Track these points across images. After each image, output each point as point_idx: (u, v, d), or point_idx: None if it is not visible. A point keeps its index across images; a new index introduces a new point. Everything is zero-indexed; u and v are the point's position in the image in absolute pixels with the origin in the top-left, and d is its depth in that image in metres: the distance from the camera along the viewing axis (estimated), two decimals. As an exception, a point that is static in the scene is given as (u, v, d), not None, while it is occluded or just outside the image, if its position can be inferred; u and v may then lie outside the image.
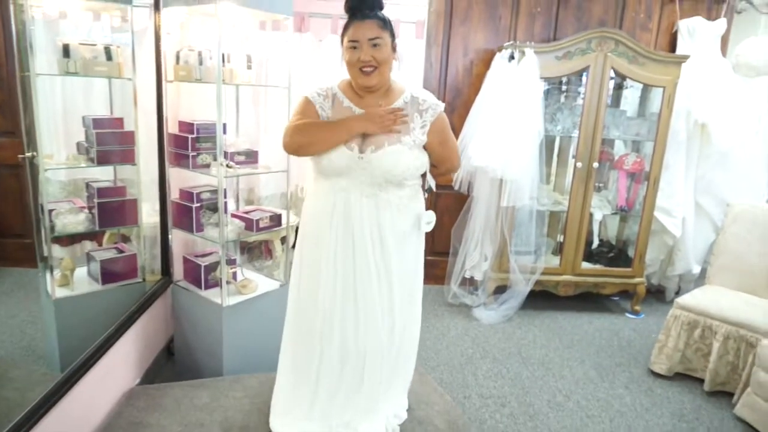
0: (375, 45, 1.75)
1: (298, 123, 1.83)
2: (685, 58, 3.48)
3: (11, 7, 1.87)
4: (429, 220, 1.95)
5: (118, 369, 2.28)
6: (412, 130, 1.83)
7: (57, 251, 2.26)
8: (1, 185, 2.12)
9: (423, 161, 1.87)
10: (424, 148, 1.87)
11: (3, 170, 2.08)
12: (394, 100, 1.85)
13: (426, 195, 2.00)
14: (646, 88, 3.83)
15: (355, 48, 1.75)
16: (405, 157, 1.80)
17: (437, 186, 2.07)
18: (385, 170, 1.79)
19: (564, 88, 3.91)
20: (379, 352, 1.92)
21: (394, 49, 1.81)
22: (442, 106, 1.87)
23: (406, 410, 2.19)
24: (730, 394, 2.80)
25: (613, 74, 3.54)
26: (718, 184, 3.79)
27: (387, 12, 1.83)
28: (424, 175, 1.94)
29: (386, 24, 1.78)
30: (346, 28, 1.79)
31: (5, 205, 2.14)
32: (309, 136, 1.80)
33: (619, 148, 4.03)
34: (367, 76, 1.78)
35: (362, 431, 1.98)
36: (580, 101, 3.64)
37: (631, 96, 4.01)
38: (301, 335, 1.99)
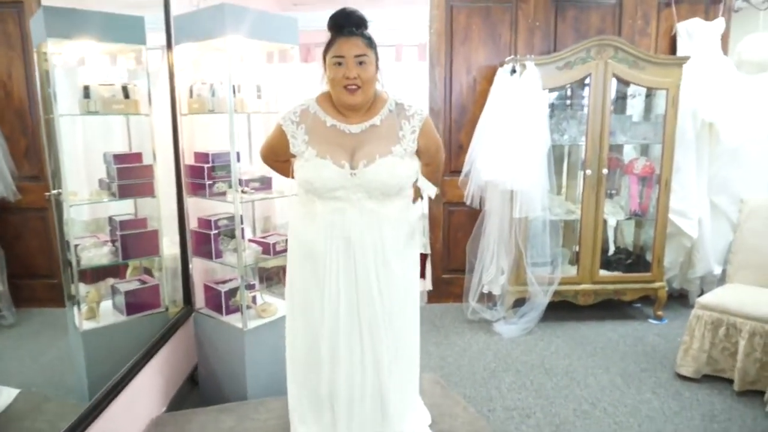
0: (361, 63, 1.71)
1: (269, 165, 2.07)
2: (685, 59, 3.51)
3: (35, 57, 2.00)
4: (429, 191, 1.94)
5: (144, 397, 2.33)
6: (401, 139, 1.81)
7: (82, 289, 2.33)
8: (28, 227, 2.21)
9: (415, 169, 1.86)
10: (416, 153, 1.87)
11: (29, 213, 2.17)
12: (378, 112, 1.82)
13: (422, 199, 2.00)
14: (650, 92, 3.86)
15: (339, 65, 1.71)
16: (398, 167, 1.79)
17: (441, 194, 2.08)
18: (381, 183, 1.76)
19: (568, 96, 3.96)
20: (385, 371, 1.88)
21: (378, 68, 1.78)
22: (426, 111, 1.89)
23: (424, 428, 2.14)
24: (761, 393, 2.73)
25: (616, 82, 3.58)
26: (732, 182, 3.77)
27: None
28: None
29: (371, 43, 1.76)
30: (329, 44, 1.75)
31: (32, 247, 2.22)
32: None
33: (628, 153, 4.04)
34: (352, 95, 1.73)
35: None
36: (584, 110, 3.67)
37: (636, 103, 4.04)
38: (308, 363, 1.93)
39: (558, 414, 2.63)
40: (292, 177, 1.98)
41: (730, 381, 2.85)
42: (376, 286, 1.83)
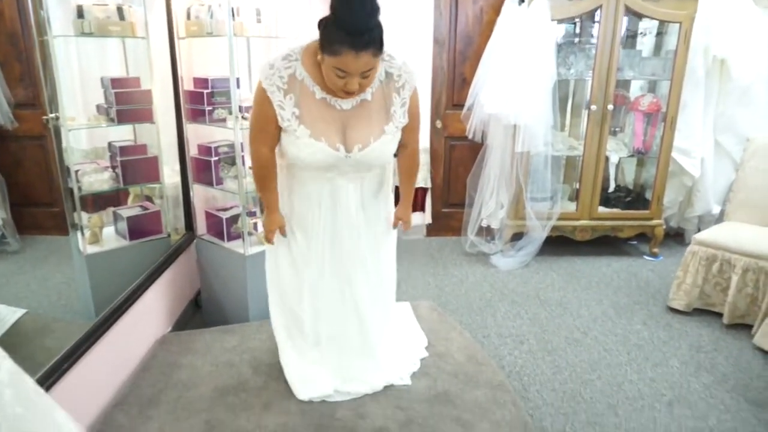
0: (365, 76, 1.59)
1: (257, 168, 1.86)
2: (701, -10, 3.38)
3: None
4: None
5: (150, 317, 2.40)
6: (393, 115, 1.77)
7: (84, 216, 2.35)
8: (27, 156, 2.20)
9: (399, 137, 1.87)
10: None
11: (27, 141, 2.17)
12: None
13: None
14: (662, 26, 3.74)
15: (341, 77, 1.57)
16: (390, 144, 1.80)
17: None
18: (373, 162, 1.80)
19: (577, 30, 3.84)
20: (370, 301, 2.00)
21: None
22: (416, 75, 1.79)
23: (419, 358, 2.23)
24: (749, 326, 2.82)
25: (627, 20, 3.45)
26: (739, 121, 3.71)
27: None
28: None
29: (381, 47, 1.56)
30: (333, 48, 1.51)
31: (32, 175, 2.22)
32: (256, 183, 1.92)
33: (635, 91, 3.97)
34: (349, 95, 1.68)
35: (374, 382, 2.04)
36: (593, 43, 3.57)
37: (646, 41, 3.93)
38: (297, 301, 2.02)
39: (550, 341, 2.72)
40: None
41: (720, 315, 2.93)
42: (358, 236, 1.92)
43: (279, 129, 1.75)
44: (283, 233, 1.95)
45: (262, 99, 1.70)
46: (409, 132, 1.88)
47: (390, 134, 1.78)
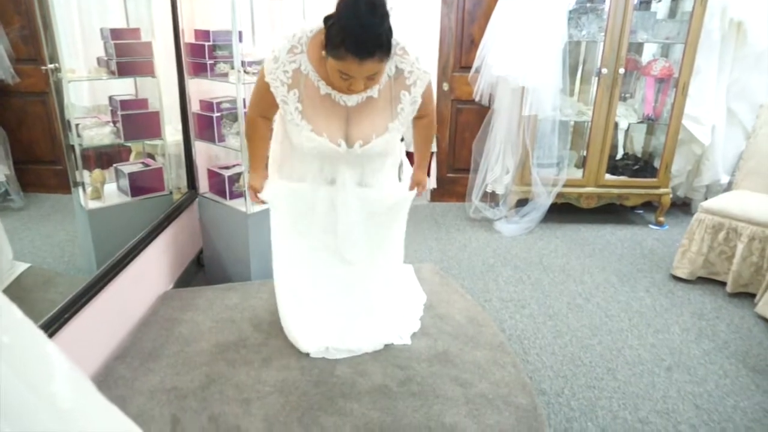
0: (371, 78, 1.54)
1: (249, 131, 1.85)
2: (722, -51, 3.25)
3: None
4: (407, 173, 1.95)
5: (151, 272, 2.40)
6: (400, 112, 1.70)
7: (87, 174, 2.33)
8: (30, 113, 2.18)
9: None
10: None
11: (30, 98, 2.14)
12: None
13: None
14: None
15: (345, 78, 1.52)
16: (393, 139, 1.76)
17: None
18: (374, 155, 1.76)
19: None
20: (371, 263, 2.01)
21: None
22: (429, 74, 1.71)
23: (418, 317, 2.23)
24: (753, 295, 2.80)
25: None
26: (753, 88, 3.63)
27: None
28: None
29: (388, 52, 1.49)
30: (336, 53, 1.45)
31: (35, 133, 2.20)
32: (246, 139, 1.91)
33: (647, 56, 3.87)
34: (353, 93, 1.63)
35: (374, 340, 2.03)
36: (606, 4, 3.46)
37: (661, 7, 3.81)
38: (299, 262, 2.01)
39: (552, 306, 2.72)
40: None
41: (723, 284, 2.92)
42: (354, 204, 1.87)
43: (277, 108, 1.73)
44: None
45: (265, 87, 1.66)
46: (426, 107, 1.81)
47: (394, 131, 1.74)
